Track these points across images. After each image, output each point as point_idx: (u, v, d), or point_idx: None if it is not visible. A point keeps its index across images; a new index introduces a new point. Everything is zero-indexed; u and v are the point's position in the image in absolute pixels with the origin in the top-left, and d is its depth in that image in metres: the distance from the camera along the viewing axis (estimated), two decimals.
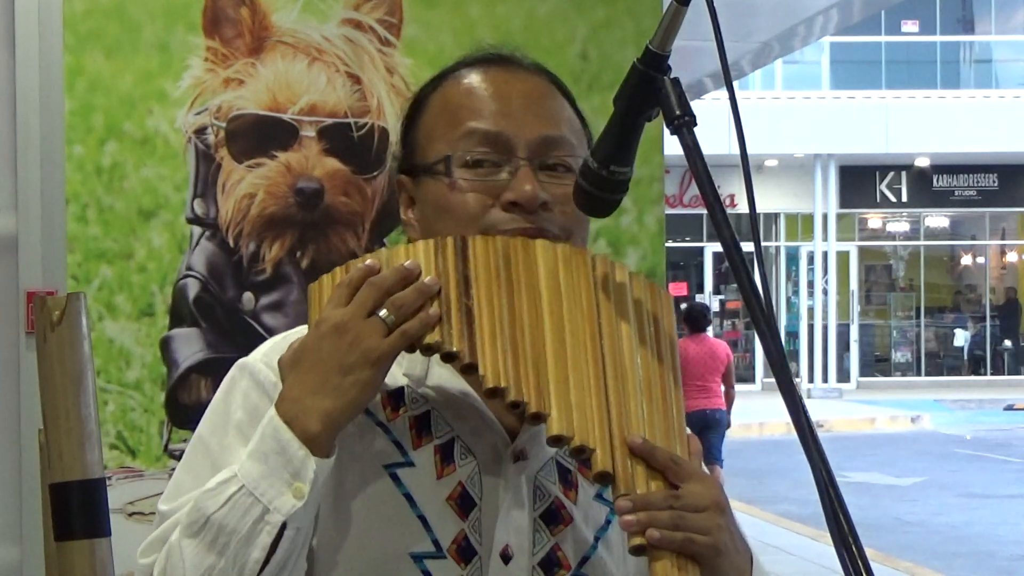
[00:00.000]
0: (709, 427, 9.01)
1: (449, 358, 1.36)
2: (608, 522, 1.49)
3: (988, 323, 25.45)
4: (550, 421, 1.34)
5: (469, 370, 1.36)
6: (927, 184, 24.15)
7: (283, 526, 1.33)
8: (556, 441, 1.34)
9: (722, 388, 9.42)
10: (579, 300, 1.41)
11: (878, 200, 24.37)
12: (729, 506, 1.38)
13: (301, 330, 1.47)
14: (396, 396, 1.46)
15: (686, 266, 24.71)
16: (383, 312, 1.35)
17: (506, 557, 1.43)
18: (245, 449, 1.39)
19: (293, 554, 1.35)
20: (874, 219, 25.30)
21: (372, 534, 1.41)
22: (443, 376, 1.47)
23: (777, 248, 24.66)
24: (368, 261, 1.39)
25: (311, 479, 1.33)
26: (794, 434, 1.26)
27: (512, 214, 1.45)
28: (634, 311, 1.43)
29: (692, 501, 1.33)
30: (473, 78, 1.52)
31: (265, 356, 1.48)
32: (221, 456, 1.42)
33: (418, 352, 1.38)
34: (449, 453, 1.44)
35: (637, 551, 1.31)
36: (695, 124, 1.34)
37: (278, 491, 1.33)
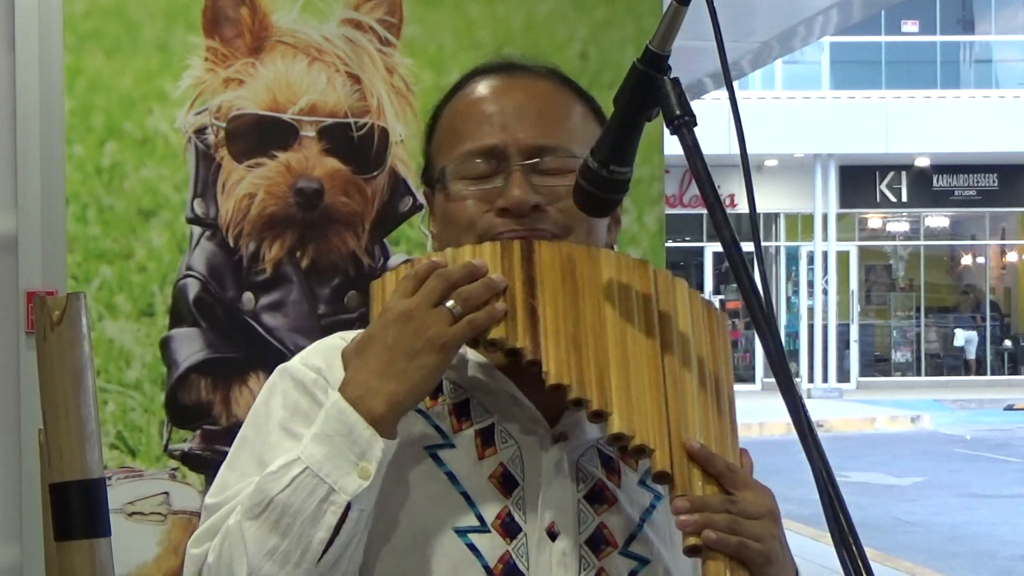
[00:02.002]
0: None
1: (512, 354, 1.40)
2: (653, 507, 1.51)
3: (988, 323, 25.46)
4: (611, 420, 1.37)
5: (532, 366, 1.38)
6: (927, 184, 24.15)
7: (348, 507, 1.34)
8: (616, 439, 1.37)
9: None
10: (640, 310, 1.44)
11: (878, 200, 24.38)
12: (780, 518, 1.40)
13: (340, 335, 1.51)
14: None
15: (686, 266, 24.72)
16: (450, 303, 1.38)
17: (552, 534, 1.44)
18: (289, 442, 1.41)
19: (355, 537, 1.37)
20: (874, 219, 25.31)
21: (415, 511, 1.43)
22: (480, 367, 1.50)
23: (777, 248, 24.66)
24: (434, 258, 1.43)
25: (378, 459, 1.35)
26: (794, 434, 1.26)
27: (505, 219, 1.48)
28: (692, 327, 1.46)
29: (748, 508, 1.36)
30: (476, 90, 1.54)
31: (303, 358, 1.52)
32: (265, 451, 1.44)
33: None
34: (490, 436, 1.47)
35: (692, 551, 1.33)
36: (695, 124, 1.34)
37: (344, 472, 1.34)
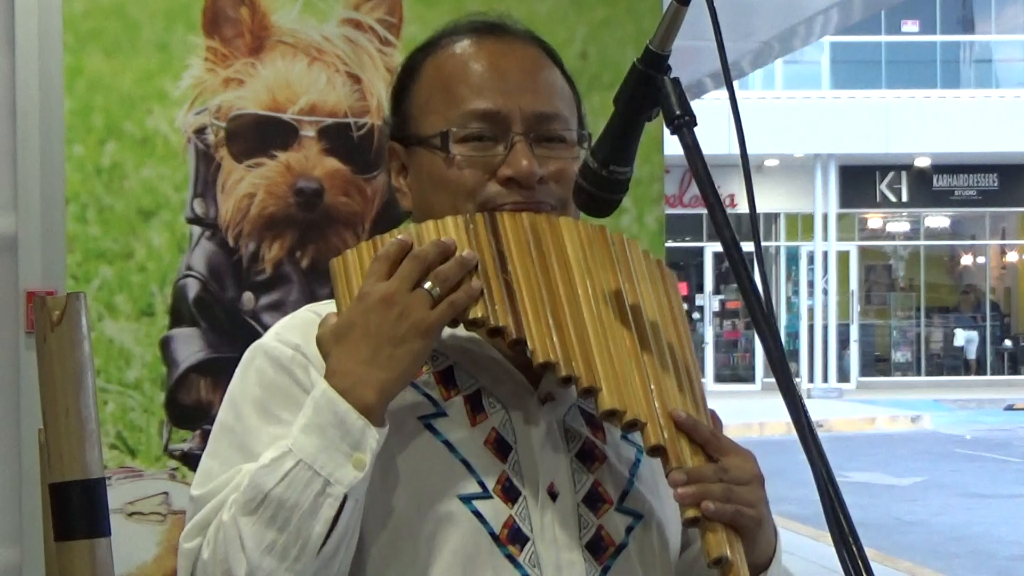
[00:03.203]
0: None
1: (495, 333, 1.39)
2: (638, 460, 1.52)
3: (988, 323, 25.47)
4: (601, 396, 1.37)
5: (516, 345, 1.38)
6: (927, 184, 24.16)
7: (344, 498, 1.33)
8: (609, 415, 1.37)
9: None
10: (608, 278, 1.44)
11: (878, 200, 24.38)
12: (764, 481, 1.42)
13: (311, 309, 1.50)
14: None
15: (686, 266, 24.71)
16: (428, 284, 1.37)
17: (553, 494, 1.45)
18: (270, 426, 1.40)
19: (351, 526, 1.36)
20: (874, 219, 25.31)
21: (418, 482, 1.42)
22: (457, 332, 1.49)
23: (777, 248, 24.66)
24: (400, 236, 1.40)
25: (372, 449, 1.34)
26: (794, 434, 1.26)
27: (509, 189, 1.47)
28: (652, 289, 1.47)
29: (738, 474, 1.37)
30: (468, 49, 1.53)
31: (278, 334, 1.49)
32: (244, 435, 1.43)
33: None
34: (478, 402, 1.46)
35: (691, 523, 1.34)
36: (695, 124, 1.34)
37: (338, 463, 1.33)
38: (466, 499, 1.41)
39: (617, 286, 1.44)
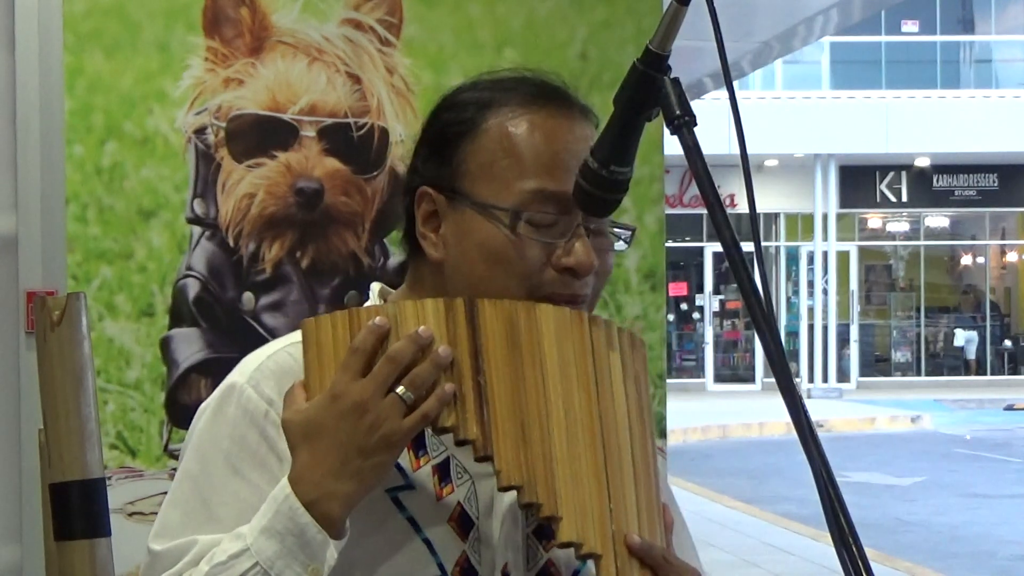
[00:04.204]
0: None
1: (463, 443, 1.36)
2: None
3: (988, 323, 25.48)
4: (561, 526, 1.35)
5: (484, 460, 1.36)
6: (927, 184, 24.16)
7: None
8: (566, 546, 1.36)
9: None
10: (578, 372, 1.41)
11: (878, 200, 24.39)
12: None
13: (288, 351, 1.44)
14: None
15: (686, 266, 24.72)
16: (401, 389, 1.33)
17: (506, 575, 1.44)
18: (236, 483, 1.39)
19: None
20: (874, 219, 25.32)
21: (378, 561, 1.40)
22: None
23: (777, 248, 24.67)
24: (377, 320, 1.35)
25: (329, 564, 1.33)
26: (794, 434, 1.26)
27: (564, 278, 1.43)
28: (623, 374, 1.44)
29: None
30: (539, 121, 1.46)
31: (252, 379, 1.45)
32: (208, 489, 1.42)
33: None
34: (446, 472, 1.44)
35: None
36: (695, 124, 1.34)
37: (295, 572, 1.33)
38: None
39: (588, 384, 1.40)
